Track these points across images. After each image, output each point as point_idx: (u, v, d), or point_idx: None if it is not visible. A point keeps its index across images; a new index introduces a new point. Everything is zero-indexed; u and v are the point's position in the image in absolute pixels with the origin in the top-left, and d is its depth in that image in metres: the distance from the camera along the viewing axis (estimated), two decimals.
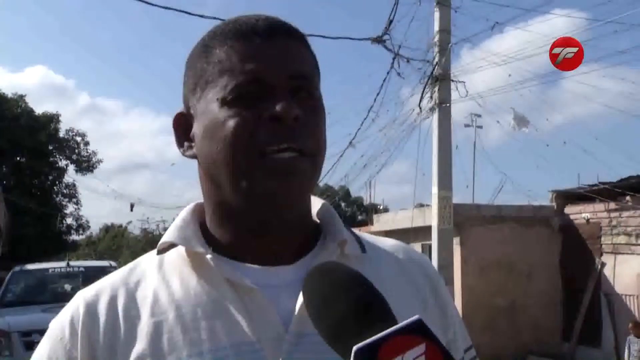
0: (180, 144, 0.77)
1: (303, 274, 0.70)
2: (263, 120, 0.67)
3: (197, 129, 0.73)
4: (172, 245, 0.74)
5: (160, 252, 0.75)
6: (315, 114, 0.72)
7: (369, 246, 0.79)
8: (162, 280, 0.72)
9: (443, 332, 0.76)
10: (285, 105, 0.67)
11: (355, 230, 0.82)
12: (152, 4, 6.66)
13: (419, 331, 0.48)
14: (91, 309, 0.71)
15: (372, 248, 0.79)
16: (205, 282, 0.70)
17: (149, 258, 0.76)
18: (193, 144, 0.75)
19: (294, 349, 0.66)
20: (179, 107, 0.78)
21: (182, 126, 0.76)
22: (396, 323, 0.49)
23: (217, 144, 0.69)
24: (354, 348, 0.46)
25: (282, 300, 0.69)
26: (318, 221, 0.80)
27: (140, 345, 0.67)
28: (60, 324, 0.72)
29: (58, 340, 0.70)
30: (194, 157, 0.75)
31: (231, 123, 0.68)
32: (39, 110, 24.48)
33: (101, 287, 0.74)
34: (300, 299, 0.67)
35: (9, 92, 24.15)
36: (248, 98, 0.68)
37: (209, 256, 0.70)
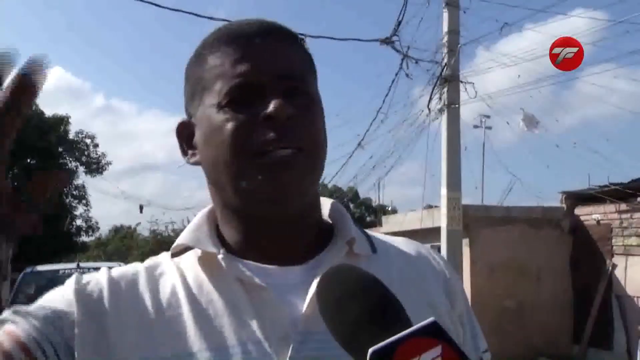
0: (184, 152, 0.79)
1: (313, 274, 0.70)
2: (258, 121, 0.69)
3: (198, 136, 0.75)
4: (186, 249, 0.76)
5: (174, 255, 0.76)
6: (310, 111, 0.73)
7: (380, 246, 0.79)
8: (179, 276, 0.73)
9: (454, 329, 0.76)
10: (278, 105, 0.68)
11: (367, 230, 0.82)
12: (162, 7, 6.71)
13: (434, 333, 0.48)
14: (114, 283, 0.71)
15: (383, 248, 0.79)
16: (217, 281, 0.71)
17: (166, 260, 0.77)
18: (196, 151, 0.76)
19: (301, 348, 0.66)
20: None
21: (185, 134, 0.78)
22: (411, 326, 0.48)
23: (216, 149, 0.71)
24: (370, 350, 0.46)
25: (291, 300, 0.70)
26: (330, 222, 0.80)
27: (151, 334, 0.67)
28: (81, 279, 0.72)
29: (75, 290, 0.70)
30: (197, 163, 0.76)
31: (228, 127, 0.69)
32: (52, 111, 24.71)
33: (126, 270, 0.75)
34: (309, 298, 0.68)
35: None
36: (242, 101, 0.70)
37: (220, 256, 0.72)
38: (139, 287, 0.72)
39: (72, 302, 0.68)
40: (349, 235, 0.75)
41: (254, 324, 0.68)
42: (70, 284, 0.71)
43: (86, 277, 0.72)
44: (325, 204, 0.81)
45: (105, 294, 0.70)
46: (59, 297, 0.69)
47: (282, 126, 0.68)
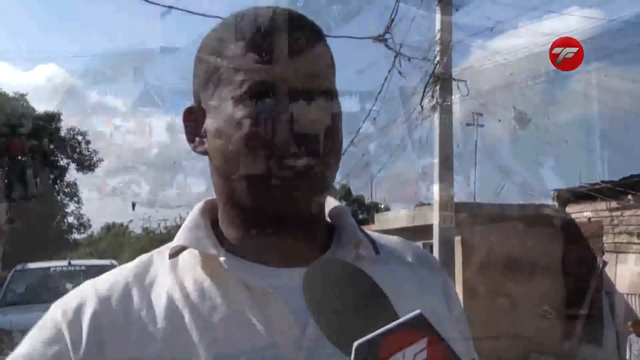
0: (190, 140, 0.75)
1: None
2: (280, 122, 0.66)
3: (210, 125, 0.71)
4: (183, 248, 0.72)
5: (172, 256, 0.72)
6: (332, 113, 0.70)
7: (381, 248, 0.77)
8: (175, 281, 0.70)
9: (453, 334, 0.75)
10: (303, 108, 0.66)
11: (366, 231, 0.80)
12: (156, 4, 6.67)
13: (420, 326, 0.48)
14: (105, 303, 0.67)
15: (382, 249, 0.77)
16: (220, 284, 0.68)
17: (161, 260, 0.73)
18: (205, 140, 0.73)
19: (313, 353, 0.64)
20: (187, 104, 0.76)
21: (193, 121, 0.74)
22: (397, 318, 0.48)
23: (232, 145, 0.68)
24: (355, 344, 0.46)
25: (298, 303, 0.66)
26: (330, 221, 0.78)
27: (154, 347, 0.64)
28: (66, 307, 0.67)
29: (60, 324, 0.66)
30: (205, 153, 0.73)
31: (247, 124, 0.66)
32: (45, 108, 24.57)
33: (114, 282, 0.70)
34: None
35: (10, 91, 24.19)
36: (263, 98, 0.67)
37: (222, 258, 0.68)
38: (132, 303, 0.67)
39: (63, 339, 0.65)
40: (357, 236, 0.73)
41: (262, 331, 0.65)
42: (55, 316, 0.67)
43: (70, 303, 0.68)
44: (330, 203, 0.79)
45: (99, 320, 0.65)
46: (48, 335, 0.66)
47: (304, 131, 0.66)
